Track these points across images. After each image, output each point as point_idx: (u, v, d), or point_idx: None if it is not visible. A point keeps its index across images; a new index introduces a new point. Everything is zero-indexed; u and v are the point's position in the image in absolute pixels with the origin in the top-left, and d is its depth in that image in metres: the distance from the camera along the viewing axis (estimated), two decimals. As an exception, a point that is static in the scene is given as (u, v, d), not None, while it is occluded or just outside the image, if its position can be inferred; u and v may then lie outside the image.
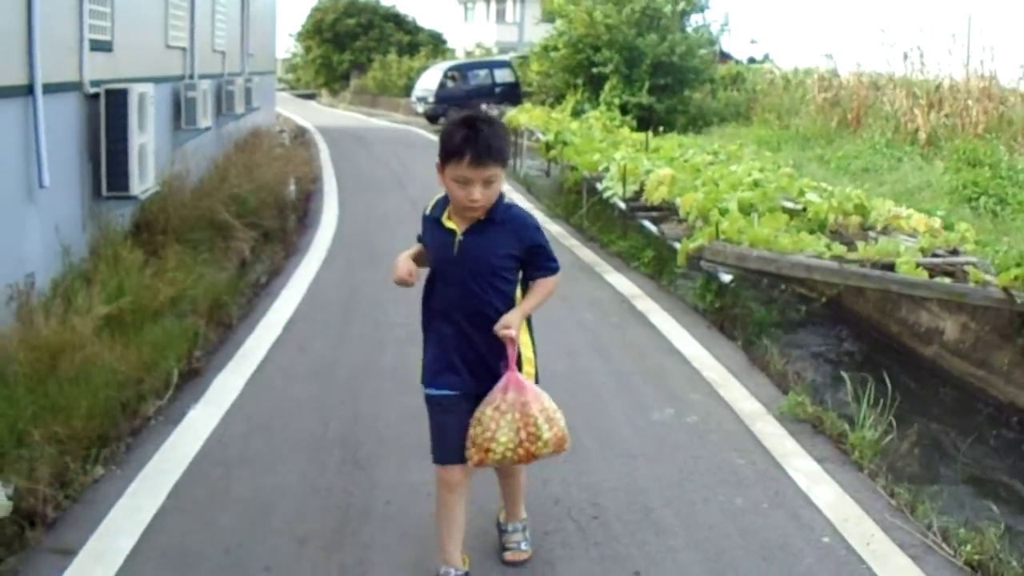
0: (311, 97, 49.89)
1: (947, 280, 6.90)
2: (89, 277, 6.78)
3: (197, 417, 4.63)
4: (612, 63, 22.44)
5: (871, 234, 7.99)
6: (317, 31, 51.28)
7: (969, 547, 3.51)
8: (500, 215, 3.11)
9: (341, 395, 5.07)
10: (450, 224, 3.12)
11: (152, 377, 5.13)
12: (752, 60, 52.05)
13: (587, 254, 9.15)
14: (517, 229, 3.15)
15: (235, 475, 4.01)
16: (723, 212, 7.51)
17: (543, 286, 3.19)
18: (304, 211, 11.54)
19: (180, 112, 11.13)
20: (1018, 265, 7.09)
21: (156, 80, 9.14)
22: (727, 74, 27.42)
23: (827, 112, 18.94)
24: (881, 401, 5.02)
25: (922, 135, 15.16)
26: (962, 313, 7.98)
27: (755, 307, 7.32)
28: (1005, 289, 6.74)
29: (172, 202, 9.37)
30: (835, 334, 8.48)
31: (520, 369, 3.13)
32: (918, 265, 7.08)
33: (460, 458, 3.14)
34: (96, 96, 7.69)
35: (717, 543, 3.51)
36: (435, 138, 17.24)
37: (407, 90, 37.29)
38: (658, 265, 8.25)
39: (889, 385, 5.29)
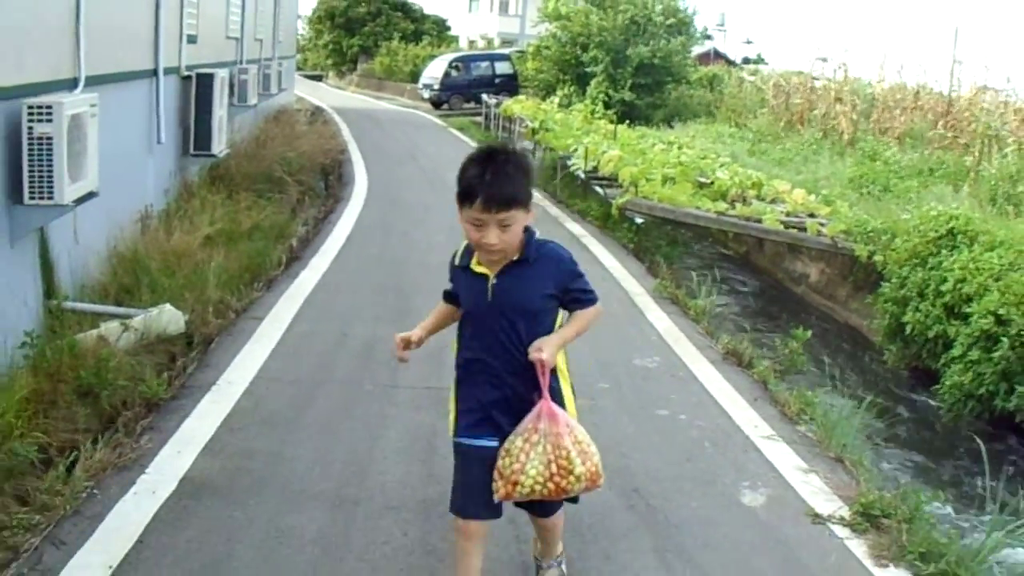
0: (318, 78, 52.21)
1: (793, 230, 10.10)
2: (186, 210, 9.57)
3: (306, 276, 7.85)
4: (600, 63, 25.48)
5: (755, 201, 11.16)
6: (329, 17, 53.83)
7: (727, 340, 6.70)
8: (533, 253, 2.93)
9: (390, 269, 8.38)
10: (481, 269, 2.95)
11: (267, 261, 8.25)
12: (747, 60, 54.85)
13: (555, 211, 12.34)
14: (552, 266, 2.96)
15: (336, 297, 7.29)
16: (648, 180, 10.70)
17: (582, 317, 3.03)
18: (340, 174, 14.66)
19: (234, 91, 13.88)
20: (858, 227, 10.25)
21: (221, 65, 11.90)
22: (704, 75, 30.47)
23: (779, 114, 22.04)
24: (717, 293, 8.23)
25: (846, 136, 18.31)
26: (821, 262, 11.21)
27: (663, 244, 10.49)
28: (832, 238, 9.93)
29: (236, 161, 12.31)
30: (730, 272, 11.70)
31: (560, 407, 2.97)
32: (780, 221, 10.28)
33: (484, 513, 3.02)
34: (188, 78, 10.38)
35: (590, 336, 6.67)
36: (440, 121, 20.63)
37: (412, 76, 40.33)
38: (604, 218, 11.41)
39: (725, 286, 8.47)
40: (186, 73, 10.36)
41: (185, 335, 6.35)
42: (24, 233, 5.74)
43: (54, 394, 4.96)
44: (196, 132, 10.60)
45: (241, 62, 14.67)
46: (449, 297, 3.21)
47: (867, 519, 4.18)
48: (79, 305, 6.34)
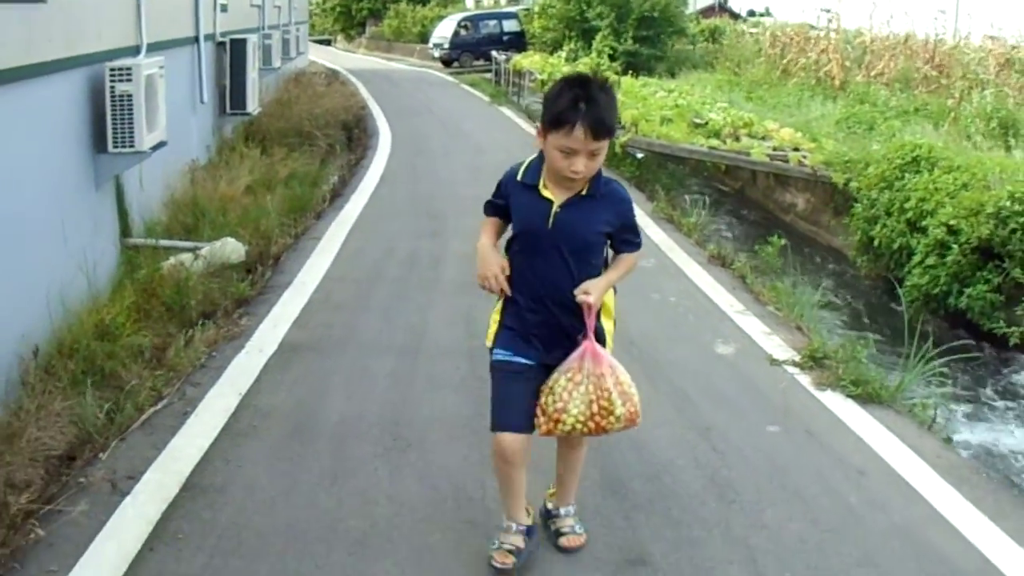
0: (327, 43, 52.80)
1: (778, 162, 11.25)
2: (227, 163, 10.65)
3: (350, 208, 9.11)
4: (606, 18, 26.46)
5: (745, 138, 12.30)
6: (338, -19, 54.41)
7: (712, 248, 7.90)
8: (600, 189, 2.97)
9: (421, 201, 9.62)
10: (547, 193, 2.96)
11: (313, 199, 9.46)
12: (751, 13, 55.24)
13: (564, 153, 13.49)
14: (615, 204, 3.02)
15: (379, 222, 8.56)
16: (647, 121, 11.85)
17: (627, 261, 3.09)
18: (364, 127, 15.85)
19: (259, 55, 14.88)
20: (837, 157, 11.38)
21: (248, 32, 12.81)
22: (706, 28, 31.42)
23: (775, 62, 23.04)
24: (712, 221, 9.41)
25: (836, 81, 19.35)
26: (807, 192, 12.35)
27: (662, 176, 11.68)
28: (813, 168, 11.08)
29: (267, 119, 13.41)
30: (726, 205, 12.89)
31: (602, 344, 3.04)
32: (767, 155, 11.43)
33: (524, 426, 3.04)
34: (222, 44, 11.31)
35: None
36: (452, 79, 21.85)
37: (421, 37, 41.27)
38: (609, 157, 12.50)
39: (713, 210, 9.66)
40: (220, 39, 11.28)
41: (245, 264, 7.52)
42: (107, 178, 6.77)
43: (148, 306, 6.12)
44: (232, 93, 11.52)
45: (264, 28, 15.71)
46: (494, 209, 3.17)
47: (813, 361, 5.38)
48: (151, 241, 7.38)
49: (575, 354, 2.95)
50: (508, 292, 3.03)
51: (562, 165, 2.86)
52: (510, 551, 3.12)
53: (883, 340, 8.34)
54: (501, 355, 3.08)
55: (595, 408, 2.93)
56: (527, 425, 3.05)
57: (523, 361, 3.04)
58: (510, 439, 3.01)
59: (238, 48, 11.39)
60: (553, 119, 2.84)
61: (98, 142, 6.47)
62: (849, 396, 4.98)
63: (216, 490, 3.67)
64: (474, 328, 5.58)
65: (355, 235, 8.04)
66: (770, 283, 7.20)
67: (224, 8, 11.86)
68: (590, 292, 2.91)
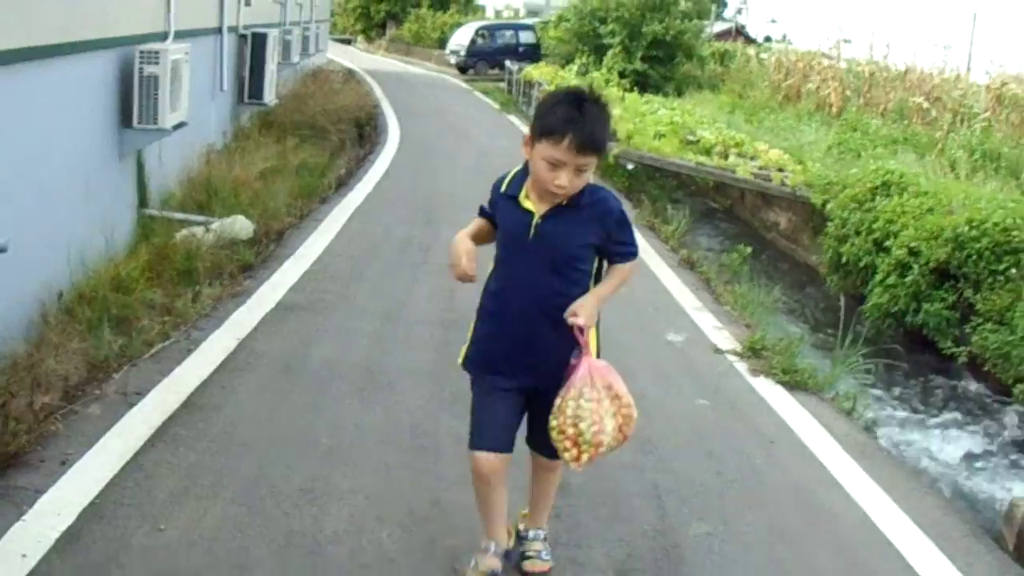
0: (348, 42, 53.39)
1: (761, 181, 11.87)
2: (242, 149, 11.25)
3: (353, 196, 9.79)
4: (617, 36, 27.09)
5: (733, 156, 12.93)
6: (359, -18, 55.14)
7: (685, 252, 8.54)
8: (585, 199, 2.84)
9: (421, 195, 10.32)
10: (528, 204, 2.86)
11: (320, 186, 10.12)
12: (768, 39, 55.89)
13: (563, 161, 14.19)
14: (601, 215, 2.88)
15: (379, 209, 9.23)
16: (641, 135, 12.50)
17: (620, 272, 2.96)
18: (375, 125, 16.54)
19: (279, 50, 15.46)
20: (818, 179, 12.00)
21: (270, 26, 13.43)
22: (716, 50, 32.08)
23: (779, 88, 23.70)
24: (684, 224, 10.06)
25: (834, 109, 20.00)
26: (789, 212, 12.97)
27: (652, 189, 12.33)
28: (793, 188, 11.70)
29: (283, 110, 14.06)
30: (714, 221, 13.52)
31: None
32: (752, 173, 12.05)
33: (501, 445, 2.99)
34: (244, 36, 11.94)
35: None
36: (466, 85, 22.59)
37: (440, 42, 42.04)
38: (604, 168, 13.20)
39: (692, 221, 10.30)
40: (242, 32, 11.91)
41: (252, 241, 8.14)
42: (130, 152, 7.41)
43: (160, 268, 6.72)
44: (251, 83, 12.18)
45: (285, 24, 16.33)
46: (485, 215, 3.08)
47: (752, 351, 6.01)
48: (166, 213, 8.03)
49: (580, 373, 2.81)
50: (471, 276, 2.94)
51: (546, 177, 2.76)
52: (487, 574, 3.12)
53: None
54: (476, 377, 3.08)
55: (620, 419, 2.85)
56: (505, 444, 3.01)
57: (501, 382, 2.99)
58: (485, 458, 2.98)
59: (259, 41, 12.05)
60: (543, 128, 2.75)
61: (124, 118, 7.07)
62: (779, 382, 5.59)
63: (211, 408, 4.33)
64: (453, 304, 6.23)
65: (356, 219, 8.69)
66: (732, 287, 7.82)
67: (248, 2, 12.40)
68: (578, 314, 2.80)
